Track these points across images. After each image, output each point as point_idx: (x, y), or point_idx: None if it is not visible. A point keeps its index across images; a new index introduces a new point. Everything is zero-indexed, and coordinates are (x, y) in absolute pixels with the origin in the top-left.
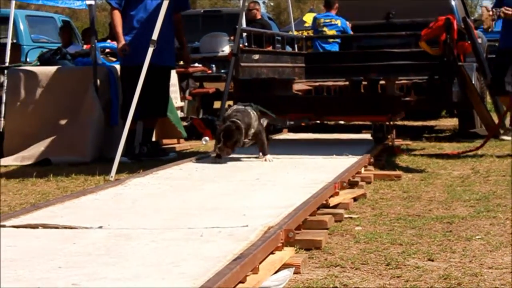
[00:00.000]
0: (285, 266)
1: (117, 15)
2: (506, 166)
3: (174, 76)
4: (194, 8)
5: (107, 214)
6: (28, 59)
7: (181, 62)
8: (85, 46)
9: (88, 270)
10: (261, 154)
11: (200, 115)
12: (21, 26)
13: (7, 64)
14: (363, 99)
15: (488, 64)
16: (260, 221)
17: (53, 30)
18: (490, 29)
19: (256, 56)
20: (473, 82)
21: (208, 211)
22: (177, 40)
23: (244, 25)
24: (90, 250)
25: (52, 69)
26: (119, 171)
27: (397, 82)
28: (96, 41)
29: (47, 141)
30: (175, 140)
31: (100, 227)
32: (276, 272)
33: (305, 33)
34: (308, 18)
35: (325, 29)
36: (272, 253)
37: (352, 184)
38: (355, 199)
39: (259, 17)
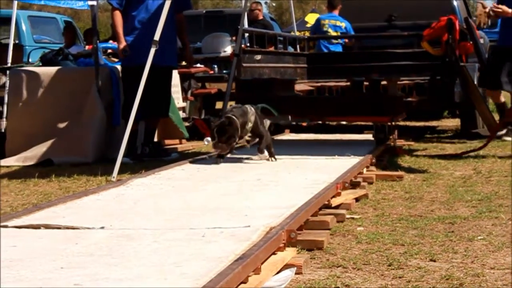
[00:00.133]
0: (287, 266)
1: (117, 16)
2: (508, 166)
3: (176, 76)
4: (196, 8)
5: (109, 215)
6: (30, 60)
7: (184, 63)
8: (87, 47)
9: (90, 271)
10: (259, 152)
11: (202, 116)
12: (23, 27)
13: (9, 65)
14: (365, 99)
15: None
16: (262, 222)
17: (55, 30)
18: (483, 25)
19: (258, 57)
20: (475, 82)
21: (210, 212)
22: (179, 40)
23: (246, 25)
24: (92, 251)
25: (54, 69)
26: (121, 171)
27: (399, 82)
28: (98, 41)
29: (49, 142)
30: (177, 141)
31: (102, 227)
32: (278, 273)
33: (307, 34)
34: (310, 18)
35: (330, 30)
36: (274, 253)
37: (354, 185)
38: (357, 199)
39: (261, 17)
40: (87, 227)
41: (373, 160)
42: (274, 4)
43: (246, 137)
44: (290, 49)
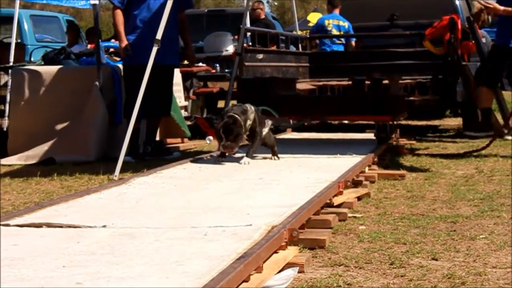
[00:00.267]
0: (288, 265)
1: (119, 14)
2: (510, 165)
3: (178, 75)
4: (198, 7)
5: (111, 213)
6: (32, 59)
7: (186, 62)
8: (89, 46)
9: (92, 269)
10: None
11: (204, 115)
12: (25, 26)
13: (11, 64)
14: (366, 98)
15: None
16: (264, 220)
17: (57, 29)
18: (481, 23)
19: (260, 56)
20: None
21: (212, 210)
22: (181, 39)
23: (248, 24)
24: (94, 249)
25: (56, 68)
26: (123, 170)
27: (401, 81)
28: (100, 40)
29: (51, 141)
30: (179, 140)
31: (104, 226)
32: (280, 271)
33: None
34: (312, 17)
35: (334, 30)
36: (275, 252)
37: (356, 184)
38: (359, 198)
39: (263, 16)
40: (89, 226)
41: (375, 159)
42: (276, 3)
43: (245, 136)
44: (292, 48)
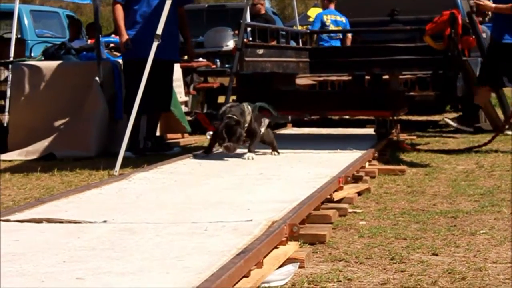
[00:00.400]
0: (289, 260)
1: (119, 9)
2: (510, 160)
3: (178, 70)
4: (198, 2)
5: (112, 209)
6: (32, 54)
7: (186, 57)
8: (89, 41)
9: (92, 265)
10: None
11: (205, 110)
12: (26, 21)
13: (11, 59)
14: (366, 94)
15: None
16: (264, 216)
17: (58, 25)
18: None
19: (261, 51)
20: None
21: (212, 206)
22: (181, 35)
23: (248, 19)
24: (95, 245)
25: (56, 63)
26: (123, 165)
27: (401, 77)
28: (100, 35)
29: (51, 136)
30: (179, 135)
31: (105, 221)
32: (280, 267)
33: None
34: (313, 13)
35: (332, 26)
36: (276, 247)
37: (357, 179)
38: (359, 193)
39: (263, 11)
40: (89, 221)
41: (376, 154)
42: None
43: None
44: (293, 44)
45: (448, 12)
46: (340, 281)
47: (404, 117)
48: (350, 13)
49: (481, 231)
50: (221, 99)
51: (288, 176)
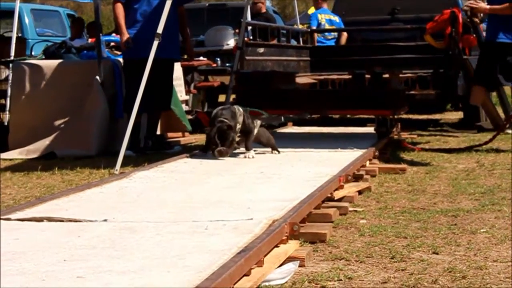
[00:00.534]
0: (289, 259)
1: (119, 8)
2: (511, 159)
3: (179, 69)
4: (199, 1)
5: (112, 207)
6: (33, 53)
7: (185, 56)
8: (90, 40)
9: (93, 263)
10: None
11: (205, 109)
12: (26, 20)
13: (12, 58)
14: (366, 92)
15: None
16: (265, 214)
17: (58, 23)
18: (476, 19)
19: (261, 50)
20: None
21: (212, 204)
22: (180, 34)
23: (249, 18)
24: (95, 243)
25: (57, 62)
26: (124, 164)
27: (401, 75)
28: (101, 34)
29: (52, 135)
30: (180, 134)
31: (105, 220)
32: (280, 265)
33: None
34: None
35: (326, 25)
36: (276, 246)
37: (357, 178)
38: (360, 192)
39: (264, 10)
40: (90, 220)
41: (376, 153)
42: None
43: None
44: (293, 42)
45: (448, 11)
46: (341, 280)
47: (404, 116)
48: (344, 12)
49: (482, 230)
50: (222, 98)
51: (288, 175)
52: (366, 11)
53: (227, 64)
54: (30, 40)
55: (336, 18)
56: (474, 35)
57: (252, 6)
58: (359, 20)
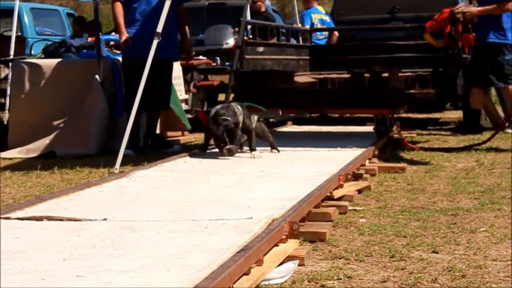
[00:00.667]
0: (289, 258)
1: (118, 7)
2: (511, 158)
3: (178, 68)
4: (198, 0)
5: (112, 206)
6: (32, 52)
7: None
8: (89, 39)
9: (92, 262)
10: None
11: (205, 108)
12: (26, 19)
13: (11, 57)
14: (365, 92)
15: None
16: (265, 213)
17: (58, 22)
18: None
19: (261, 49)
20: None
21: (212, 203)
22: (178, 32)
23: (248, 17)
24: (95, 242)
25: (56, 61)
26: (123, 163)
27: (401, 74)
28: (100, 33)
29: (51, 134)
30: (179, 133)
31: (105, 219)
32: (280, 264)
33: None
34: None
35: (319, 25)
36: (276, 245)
37: (357, 177)
38: (359, 191)
39: (263, 9)
40: (90, 219)
41: (376, 152)
42: None
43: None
44: (293, 41)
45: (448, 10)
46: (340, 279)
47: (404, 115)
48: (343, 11)
49: (481, 229)
50: (221, 97)
51: (288, 174)
52: (366, 10)
53: (227, 63)
54: (29, 39)
55: (327, 18)
56: (474, 34)
57: (251, 5)
58: (358, 19)
